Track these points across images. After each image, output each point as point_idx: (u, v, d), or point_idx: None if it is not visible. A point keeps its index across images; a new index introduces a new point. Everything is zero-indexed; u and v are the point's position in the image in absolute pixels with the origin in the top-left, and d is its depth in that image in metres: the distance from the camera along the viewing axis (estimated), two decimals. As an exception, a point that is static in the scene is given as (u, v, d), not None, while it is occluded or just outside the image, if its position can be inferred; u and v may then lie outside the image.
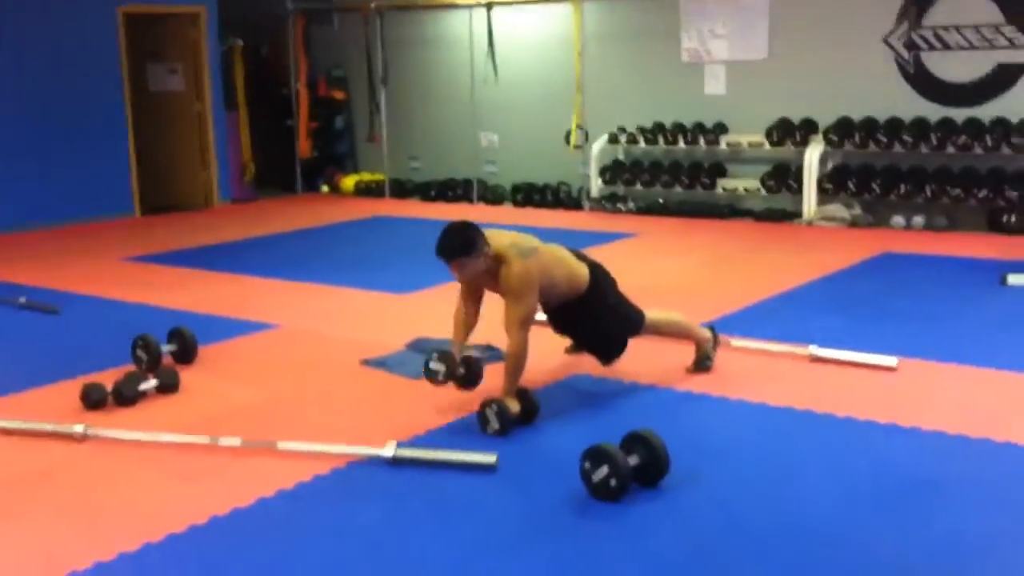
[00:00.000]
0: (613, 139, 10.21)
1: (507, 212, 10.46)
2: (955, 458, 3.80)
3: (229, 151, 11.47)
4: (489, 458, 3.78)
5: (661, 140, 9.94)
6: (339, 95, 12.28)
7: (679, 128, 9.84)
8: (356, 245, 8.98)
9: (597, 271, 4.66)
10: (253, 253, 8.59)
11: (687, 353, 4.99)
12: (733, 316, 5.92)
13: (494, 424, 4.16)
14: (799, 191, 9.07)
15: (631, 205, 9.98)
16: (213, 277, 7.54)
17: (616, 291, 4.72)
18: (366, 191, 11.78)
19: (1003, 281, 6.45)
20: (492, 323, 4.67)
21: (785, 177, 9.23)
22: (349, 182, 11.95)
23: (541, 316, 4.62)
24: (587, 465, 3.51)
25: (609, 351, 4.75)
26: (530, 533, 3.31)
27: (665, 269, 7.39)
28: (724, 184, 9.68)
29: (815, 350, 4.99)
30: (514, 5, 10.73)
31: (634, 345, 5.08)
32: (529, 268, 4.26)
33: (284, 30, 11.94)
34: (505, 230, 4.53)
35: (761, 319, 5.85)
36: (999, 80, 8.38)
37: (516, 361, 4.26)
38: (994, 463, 3.75)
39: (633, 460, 3.55)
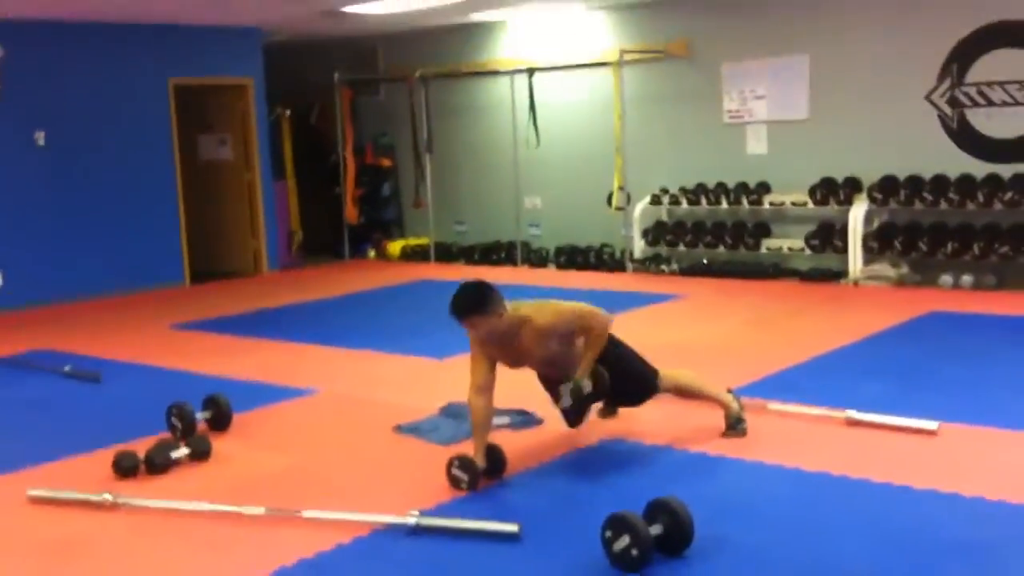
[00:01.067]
0: (655, 200, 10.20)
1: (550, 274, 10.46)
2: (994, 523, 3.68)
3: (278, 219, 11.65)
4: (511, 527, 3.73)
5: (704, 200, 9.90)
6: (386, 162, 12.45)
7: (721, 188, 9.81)
8: (399, 309, 9.02)
9: None
10: (298, 319, 8.67)
11: (716, 415, 4.90)
12: (771, 379, 5.82)
13: (567, 400, 4.40)
14: (844, 250, 8.96)
15: (674, 266, 9.93)
16: (258, 344, 7.61)
17: (625, 344, 4.71)
18: (412, 255, 11.87)
19: (1052, 340, 6.30)
20: (525, 386, 4.65)
21: (830, 236, 9.13)
22: (395, 247, 12.05)
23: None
24: (608, 534, 3.45)
25: (636, 393, 4.71)
26: (549, 604, 3.25)
27: (706, 331, 7.31)
28: (768, 244, 9.60)
29: (853, 414, 4.88)
30: (554, 70, 10.82)
31: (662, 408, 5.05)
32: (557, 305, 4.42)
33: (332, 99, 12.15)
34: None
35: (800, 382, 5.75)
36: (1046, 135, 8.26)
37: (601, 340, 4.40)
38: (1037, 530, 3.62)
39: (656, 528, 3.48)
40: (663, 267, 9.98)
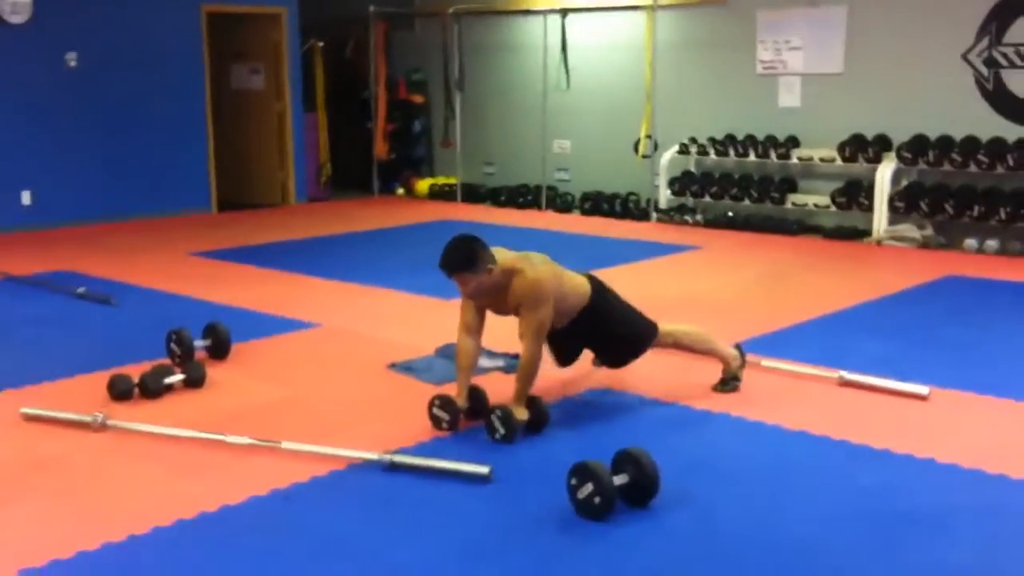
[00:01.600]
0: (683, 150, 10.09)
1: (574, 220, 10.42)
2: (964, 492, 3.66)
3: (307, 151, 11.68)
4: (482, 469, 3.76)
5: (732, 152, 9.79)
6: (418, 99, 12.40)
7: (751, 140, 9.68)
8: (416, 248, 9.01)
9: (595, 281, 4.61)
10: (316, 253, 8.72)
11: (715, 371, 4.89)
12: (774, 335, 5.79)
13: (500, 430, 4.14)
14: (870, 209, 8.84)
15: (699, 217, 9.85)
16: (273, 275, 7.67)
17: (621, 300, 4.67)
18: (440, 195, 11.86)
19: (1066, 311, 6.19)
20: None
21: (856, 194, 9.00)
22: (424, 185, 12.05)
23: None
24: (573, 481, 3.47)
25: (622, 354, 4.67)
26: (507, 546, 3.29)
27: (719, 283, 7.27)
28: (794, 199, 9.49)
29: (844, 374, 4.85)
30: (588, 12, 10.69)
31: (661, 360, 5.04)
32: (542, 275, 4.24)
33: (367, 33, 12.09)
34: (509, 250, 4.48)
35: (802, 339, 5.71)
36: (1083, 100, 8.05)
37: (529, 369, 4.24)
38: (1004, 499, 3.59)
39: (621, 479, 3.50)
40: (687, 218, 9.90)
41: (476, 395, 4.38)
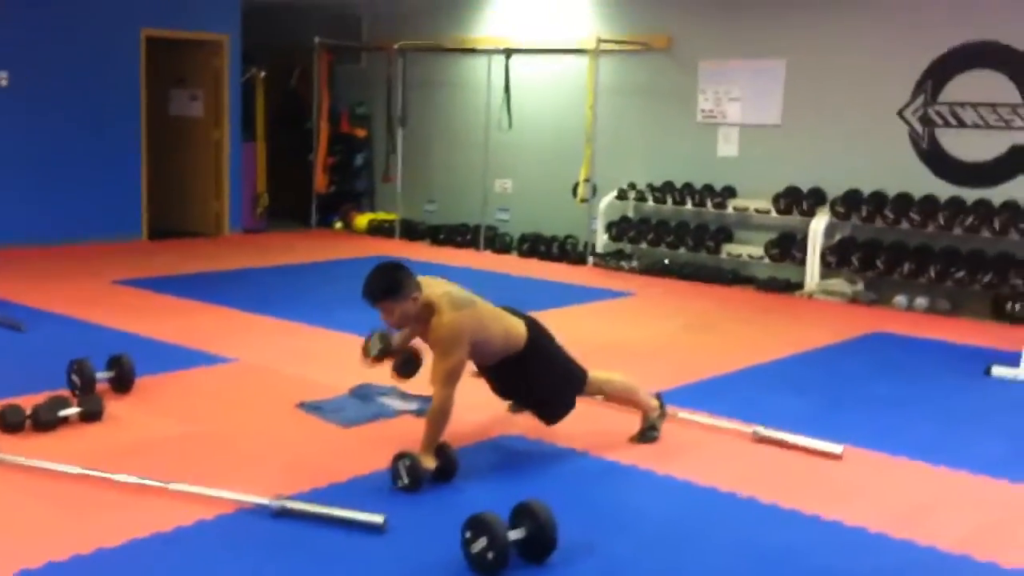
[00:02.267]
0: (622, 195, 10.07)
1: (511, 261, 10.34)
2: (867, 556, 3.58)
3: (244, 180, 11.51)
4: (376, 518, 3.62)
5: (669, 200, 9.78)
6: (361, 132, 12.29)
7: (688, 188, 9.69)
8: (347, 282, 8.66)
9: (535, 327, 4.48)
10: (245, 285, 8.54)
11: (633, 421, 4.79)
12: (694, 385, 5.72)
13: (404, 479, 4.00)
14: (803, 262, 8.85)
15: (634, 264, 9.80)
16: (196, 307, 7.48)
17: (556, 347, 4.55)
18: (378, 230, 11.72)
19: (987, 372, 6.18)
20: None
21: (790, 246, 9.02)
22: (363, 220, 11.91)
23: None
24: (468, 535, 3.34)
25: (553, 411, 4.57)
26: (392, 602, 3.15)
27: (646, 331, 7.20)
28: (729, 249, 9.48)
29: (760, 430, 4.77)
30: (532, 53, 10.68)
31: (580, 408, 4.93)
32: (460, 320, 4.09)
33: (312, 63, 11.97)
34: (444, 279, 4.38)
35: (723, 391, 5.64)
36: (1013, 162, 8.13)
37: (438, 416, 4.11)
38: (906, 565, 3.52)
39: (518, 533, 3.38)
40: (623, 263, 9.85)
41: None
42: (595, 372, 4.64)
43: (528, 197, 10.96)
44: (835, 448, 4.57)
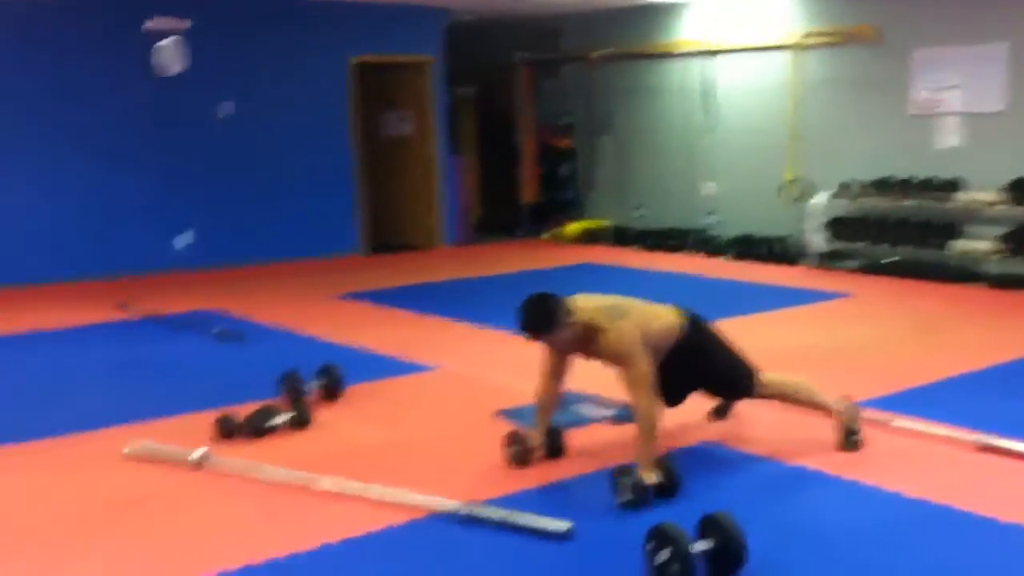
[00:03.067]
0: (837, 193, 9.64)
1: (723, 265, 10.09)
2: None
3: (457, 195, 11.78)
4: (561, 526, 3.57)
5: (887, 196, 9.28)
6: (565, 143, 12.34)
7: (906, 183, 9.16)
8: (555, 291, 8.91)
9: (688, 315, 4.37)
10: (454, 295, 8.72)
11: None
12: (912, 391, 5.37)
13: (628, 495, 3.86)
14: (1039, 256, 8.20)
15: (852, 263, 9.37)
16: (406, 317, 7.69)
17: (718, 337, 4.45)
18: (589, 238, 11.72)
19: None
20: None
21: (1024, 240, 8.38)
22: (573, 228, 11.94)
23: None
24: (650, 546, 3.24)
25: (735, 383, 4.44)
26: (574, 612, 3.09)
27: (861, 334, 6.83)
28: (956, 245, 8.90)
29: (982, 438, 4.42)
30: (733, 52, 10.41)
31: (781, 417, 4.75)
32: (624, 328, 4.05)
33: (514, 80, 12.12)
34: (589, 294, 4.29)
35: (944, 397, 5.27)
36: None
37: (646, 426, 4.00)
38: None
39: (704, 545, 3.25)
40: (840, 264, 9.43)
41: (553, 435, 4.29)
42: (768, 373, 4.47)
43: (736, 199, 10.68)
44: (1067, 457, 4.18)
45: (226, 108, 9.99)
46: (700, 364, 4.34)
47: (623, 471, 3.91)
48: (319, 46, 10.59)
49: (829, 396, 4.53)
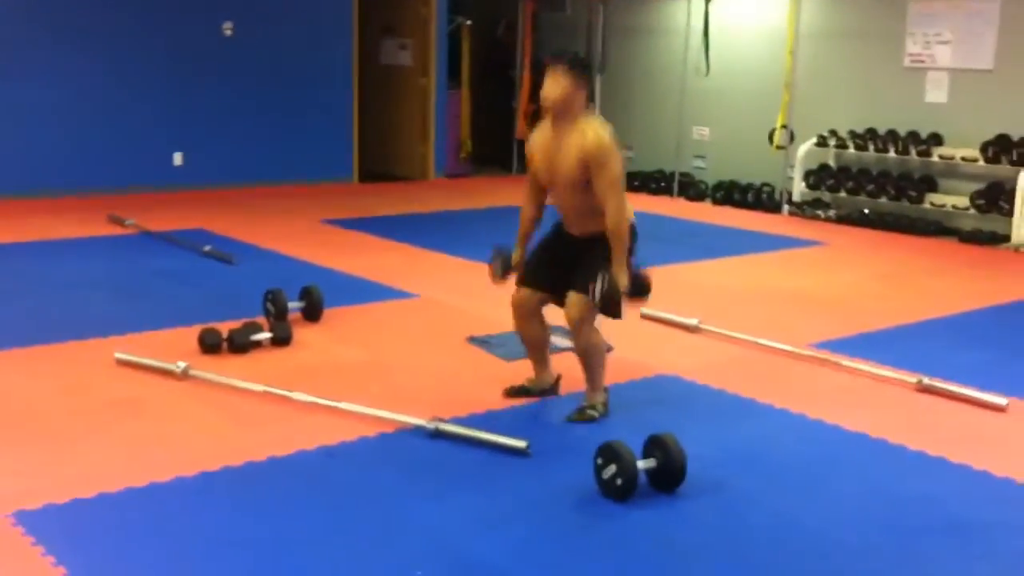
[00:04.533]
0: (821, 142, 9.82)
1: (705, 209, 10.30)
2: (1009, 508, 3.51)
3: (449, 127, 11.91)
4: (520, 443, 3.84)
5: (871, 147, 9.47)
6: (562, 80, 12.41)
7: (892, 136, 9.35)
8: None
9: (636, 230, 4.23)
10: (440, 226, 8.93)
11: (811, 371, 4.80)
12: (868, 335, 5.64)
13: (601, 289, 3.92)
14: (1011, 213, 8.41)
15: (831, 213, 9.58)
16: (391, 246, 7.90)
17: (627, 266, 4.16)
18: (576, 176, 11.88)
19: None
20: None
21: (997, 197, 8.58)
22: (561, 166, 12.08)
23: None
24: (599, 461, 3.51)
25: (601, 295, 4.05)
26: (524, 518, 3.36)
27: (830, 280, 7.09)
28: (932, 199, 9.11)
29: (924, 379, 4.68)
30: (732, -3, 10.54)
31: (741, 355, 4.99)
32: (606, 137, 4.01)
33: (518, 13, 12.19)
34: None
35: (897, 342, 5.53)
36: None
37: (620, 226, 4.01)
38: (1053, 521, 3.44)
39: (648, 463, 3.52)
40: (819, 212, 9.65)
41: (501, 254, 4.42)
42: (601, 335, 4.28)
43: (726, 144, 10.85)
44: (1000, 400, 4.45)
45: (227, 27, 10.09)
46: (591, 261, 4.11)
47: (599, 275, 3.93)
48: (323, -32, 10.67)
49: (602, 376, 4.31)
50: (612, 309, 4.08)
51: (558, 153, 4.11)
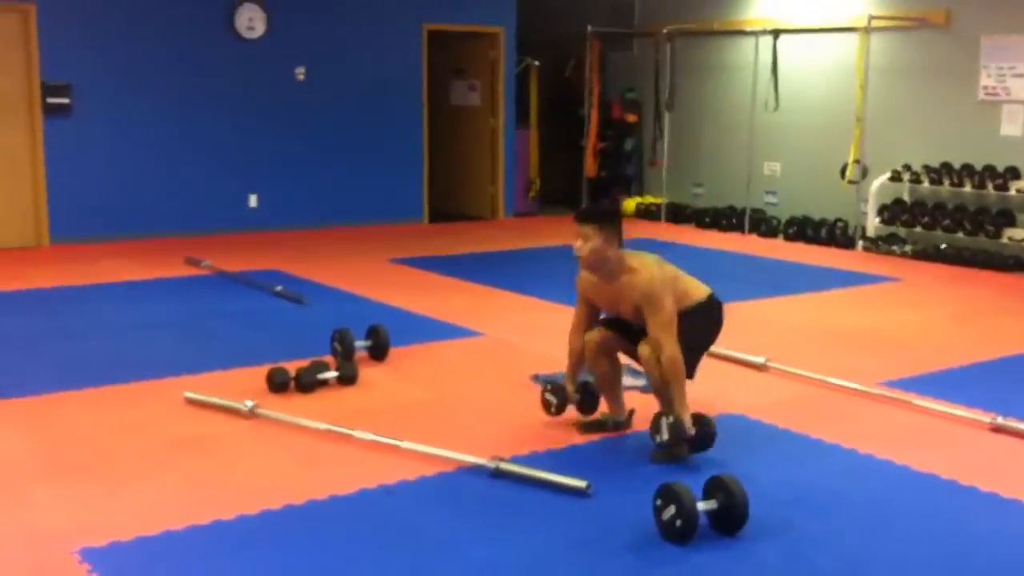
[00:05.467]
0: (895, 177, 9.67)
1: (776, 245, 10.19)
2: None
3: (518, 166, 11.99)
4: (580, 483, 3.82)
5: (946, 181, 9.30)
6: (631, 118, 12.45)
7: (967, 170, 9.17)
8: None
9: (716, 302, 4.40)
10: (508, 265, 8.96)
11: (881, 412, 4.72)
12: (942, 373, 5.52)
13: (663, 435, 4.07)
14: (1093, 247, 8.19)
15: (907, 248, 9.41)
16: (459, 285, 7.96)
17: (708, 334, 4.43)
18: (645, 214, 11.87)
19: None
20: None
21: (1079, 231, 8.37)
22: (630, 204, 12.09)
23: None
24: (658, 503, 3.48)
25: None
26: (581, 559, 3.33)
27: (904, 318, 6.95)
28: (1011, 234, 8.91)
29: (999, 419, 4.56)
30: (800, 33, 10.46)
31: (803, 391, 4.92)
32: (655, 273, 4.15)
33: (585, 52, 12.26)
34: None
35: (972, 381, 5.40)
36: None
37: (675, 368, 4.09)
38: None
39: (709, 505, 3.47)
40: (895, 248, 9.48)
41: (586, 388, 4.54)
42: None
43: (797, 180, 10.75)
44: (1078, 442, 4.31)
45: (300, 72, 10.30)
46: (687, 328, 4.23)
47: (663, 414, 4.09)
48: (394, 12, 10.84)
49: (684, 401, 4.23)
50: (677, 449, 4.15)
51: (613, 294, 4.26)
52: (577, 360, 4.50)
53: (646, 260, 4.23)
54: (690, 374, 4.26)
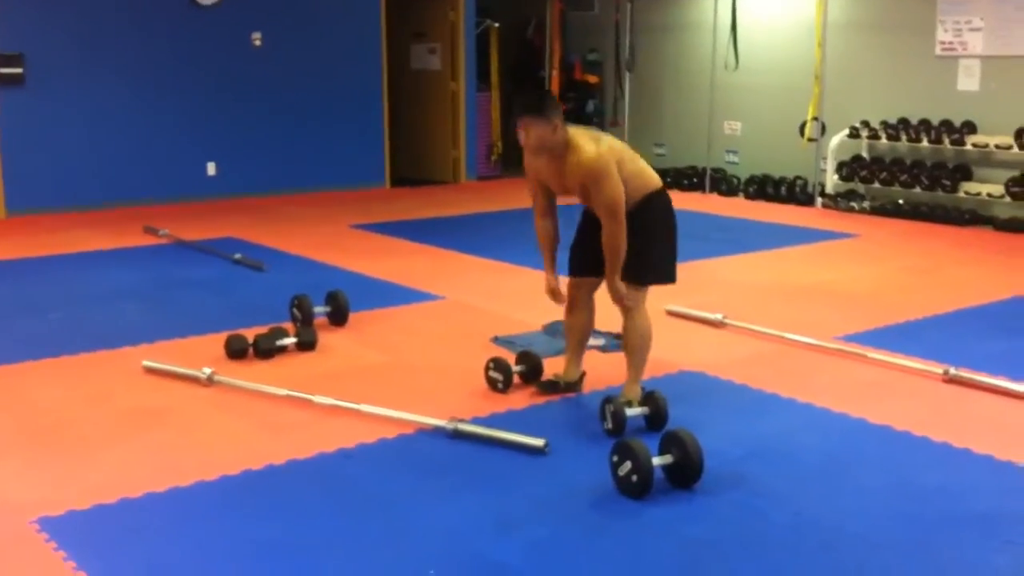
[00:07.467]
0: (853, 133, 9.73)
1: (737, 204, 10.24)
2: (1034, 499, 3.47)
3: (480, 130, 11.94)
4: (538, 441, 3.84)
5: (904, 137, 9.37)
6: (593, 79, 12.43)
7: (924, 125, 9.24)
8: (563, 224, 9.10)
9: (666, 195, 4.33)
10: (469, 229, 8.94)
11: (824, 363, 4.77)
12: (896, 327, 5.59)
13: (608, 424, 4.07)
14: (1048, 200, 8.30)
15: (865, 204, 9.49)
16: (420, 249, 7.94)
17: (671, 232, 4.34)
18: (608, 175, 11.86)
19: None
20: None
21: (1033, 184, 8.46)
22: (593, 165, 12.07)
23: None
24: (615, 459, 3.51)
25: (645, 269, 4.25)
26: (541, 516, 3.36)
27: (861, 273, 7.02)
28: (967, 188, 9.00)
29: (952, 370, 4.63)
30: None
31: (756, 347, 4.96)
32: (601, 152, 4.05)
33: (546, 13, 12.21)
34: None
35: (925, 333, 5.48)
36: None
37: (614, 245, 4.07)
38: (1078, 511, 3.38)
39: (665, 459, 3.51)
40: (853, 204, 9.55)
41: (528, 358, 4.59)
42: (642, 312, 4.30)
43: (757, 138, 10.79)
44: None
45: (256, 37, 10.18)
46: (640, 239, 4.17)
47: (608, 401, 4.10)
48: (351, -25, 10.75)
49: (641, 369, 4.36)
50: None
51: (560, 173, 4.17)
52: (549, 243, 4.46)
53: (593, 137, 4.11)
54: (671, 278, 4.30)
